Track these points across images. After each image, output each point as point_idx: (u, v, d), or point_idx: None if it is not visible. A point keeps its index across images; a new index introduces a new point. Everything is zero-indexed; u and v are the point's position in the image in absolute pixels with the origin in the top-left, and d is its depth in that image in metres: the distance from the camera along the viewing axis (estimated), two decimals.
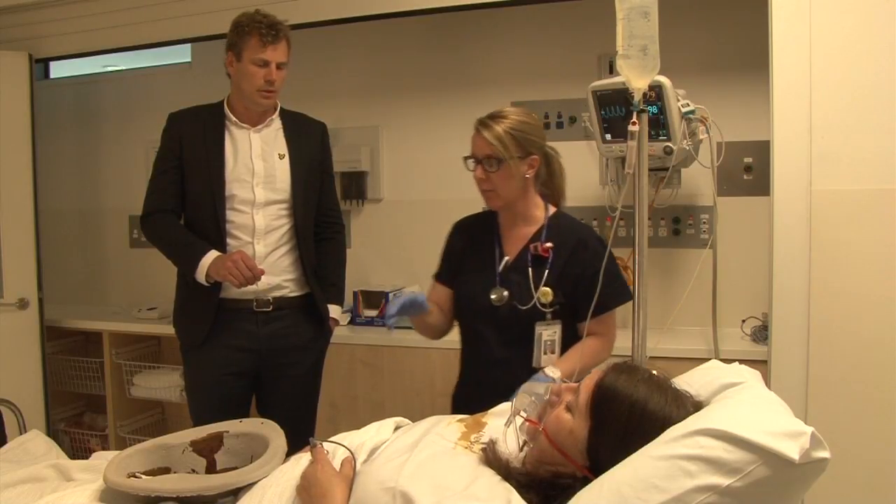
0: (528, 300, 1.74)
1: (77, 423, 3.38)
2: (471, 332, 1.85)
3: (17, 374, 2.89)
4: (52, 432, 3.00)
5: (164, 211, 2.18)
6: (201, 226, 2.16)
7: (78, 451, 3.23)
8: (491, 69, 2.95)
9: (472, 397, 1.68)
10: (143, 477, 1.32)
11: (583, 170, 2.82)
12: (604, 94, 2.20)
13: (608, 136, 2.26)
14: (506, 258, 1.80)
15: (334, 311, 2.31)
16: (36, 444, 1.71)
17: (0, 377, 2.75)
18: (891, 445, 1.96)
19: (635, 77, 1.62)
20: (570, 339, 1.77)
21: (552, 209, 1.84)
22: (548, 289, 1.73)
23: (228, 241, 2.13)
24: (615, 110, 2.20)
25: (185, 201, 2.18)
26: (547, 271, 1.75)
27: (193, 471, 1.43)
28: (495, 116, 1.73)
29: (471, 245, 1.87)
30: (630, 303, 1.75)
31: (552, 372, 1.66)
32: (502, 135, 1.70)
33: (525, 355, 1.74)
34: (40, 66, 3.44)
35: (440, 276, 1.93)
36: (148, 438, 1.58)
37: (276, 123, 2.21)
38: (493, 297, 1.76)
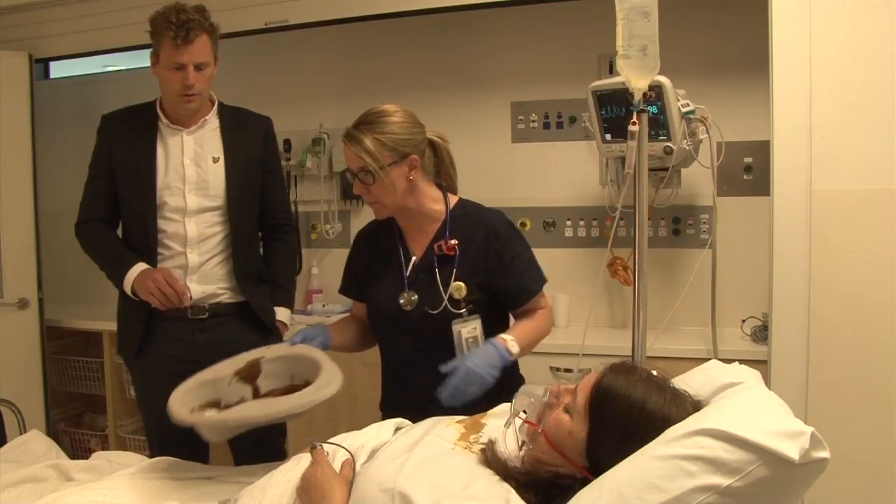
0: (438, 302, 1.64)
1: (77, 423, 3.38)
2: (385, 340, 1.77)
3: (17, 374, 2.89)
4: (52, 432, 3.00)
5: (95, 220, 2.08)
6: (132, 234, 2.05)
7: (78, 451, 3.23)
8: (491, 69, 2.94)
9: (399, 405, 1.61)
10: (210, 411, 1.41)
11: (583, 170, 2.82)
12: (604, 94, 2.20)
13: (608, 136, 2.26)
14: (413, 258, 1.69)
15: (283, 314, 2.18)
16: (36, 444, 1.71)
17: (0, 377, 2.75)
18: (891, 445, 1.95)
19: (635, 77, 1.62)
20: (495, 331, 1.66)
21: (453, 199, 1.73)
22: (461, 283, 1.63)
23: (160, 250, 2.00)
24: (615, 110, 2.20)
25: (119, 208, 2.07)
26: (455, 269, 1.64)
27: (243, 399, 1.49)
28: (360, 124, 1.60)
29: (376, 251, 1.77)
30: (630, 303, 1.74)
31: (512, 346, 1.59)
32: (370, 145, 1.56)
33: (444, 358, 1.58)
34: (40, 66, 3.43)
35: (350, 293, 1.82)
36: None
37: (213, 123, 2.05)
38: (401, 301, 1.66)
